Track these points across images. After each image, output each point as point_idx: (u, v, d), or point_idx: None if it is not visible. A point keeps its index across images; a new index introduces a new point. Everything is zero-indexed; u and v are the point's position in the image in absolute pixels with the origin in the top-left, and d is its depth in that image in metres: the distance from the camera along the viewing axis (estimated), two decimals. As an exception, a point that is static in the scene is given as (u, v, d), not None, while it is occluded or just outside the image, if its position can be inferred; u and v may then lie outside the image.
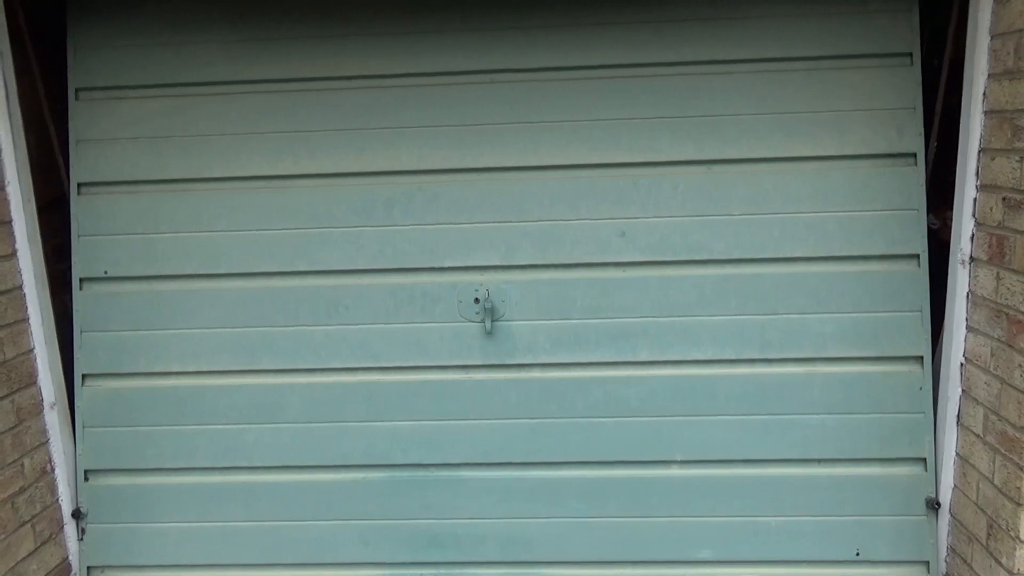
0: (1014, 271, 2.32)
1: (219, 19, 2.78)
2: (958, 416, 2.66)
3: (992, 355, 2.44)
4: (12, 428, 2.64)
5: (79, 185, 2.86)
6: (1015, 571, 2.35)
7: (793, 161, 2.75)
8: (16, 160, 2.67)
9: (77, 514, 2.94)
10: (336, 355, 2.88)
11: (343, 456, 2.92)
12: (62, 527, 2.90)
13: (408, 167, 2.80)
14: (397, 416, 2.90)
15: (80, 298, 2.89)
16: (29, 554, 2.72)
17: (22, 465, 2.69)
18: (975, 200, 2.51)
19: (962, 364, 2.62)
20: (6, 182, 2.63)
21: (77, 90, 2.83)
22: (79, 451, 2.94)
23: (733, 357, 2.82)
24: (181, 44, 2.79)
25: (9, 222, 2.65)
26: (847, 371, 2.81)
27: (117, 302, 2.89)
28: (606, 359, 2.84)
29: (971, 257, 2.55)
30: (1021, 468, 2.31)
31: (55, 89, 2.82)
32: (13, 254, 2.67)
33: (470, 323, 2.85)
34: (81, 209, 2.86)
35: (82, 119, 2.84)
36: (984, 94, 2.44)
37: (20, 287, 2.69)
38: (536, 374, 2.87)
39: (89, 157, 2.85)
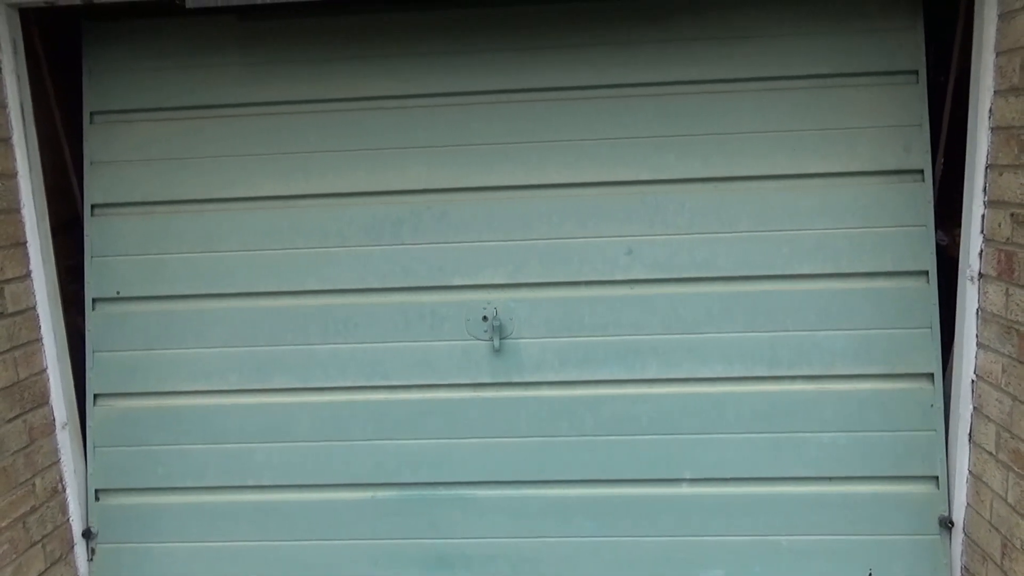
0: (1023, 287, 2.31)
1: (230, 43, 2.82)
2: (970, 434, 2.64)
3: (1004, 372, 2.43)
4: (24, 448, 2.66)
5: (93, 207, 2.90)
6: (1031, 591, 2.33)
7: (800, 178, 2.76)
8: (31, 182, 2.70)
9: (87, 534, 2.95)
10: (345, 374, 2.89)
11: (352, 475, 2.93)
12: (72, 547, 2.91)
13: (417, 186, 2.83)
14: (406, 434, 2.90)
15: (93, 318, 2.92)
16: (39, 574, 2.72)
17: (33, 485, 2.70)
18: (983, 216, 2.51)
19: (973, 381, 2.61)
20: (21, 204, 2.67)
21: (92, 113, 2.87)
22: (90, 471, 2.95)
23: (742, 375, 2.81)
24: (193, 67, 2.83)
25: (24, 243, 2.68)
26: (857, 388, 2.80)
27: (129, 322, 2.92)
28: (615, 377, 2.84)
29: (980, 273, 2.54)
30: (1035, 486, 2.29)
31: (70, 112, 2.87)
32: (28, 275, 2.69)
33: (478, 341, 2.86)
34: (94, 230, 2.90)
35: (96, 141, 2.88)
36: (990, 110, 2.45)
37: (34, 307, 2.72)
38: (545, 392, 2.88)
39: (103, 179, 2.89)
